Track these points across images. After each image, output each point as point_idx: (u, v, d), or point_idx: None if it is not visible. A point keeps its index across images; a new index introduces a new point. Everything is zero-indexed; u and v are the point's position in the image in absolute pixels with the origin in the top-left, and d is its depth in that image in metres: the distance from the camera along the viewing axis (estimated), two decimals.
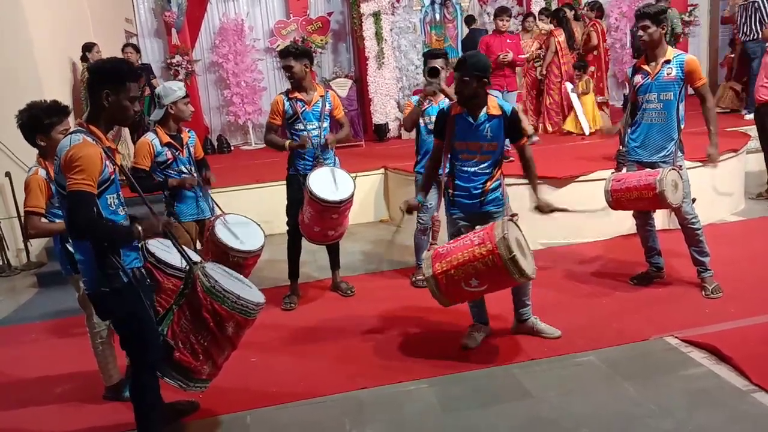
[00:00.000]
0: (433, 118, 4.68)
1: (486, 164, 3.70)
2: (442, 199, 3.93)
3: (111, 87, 2.68)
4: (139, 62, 8.38)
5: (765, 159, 6.78)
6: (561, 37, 8.70)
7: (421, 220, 4.92)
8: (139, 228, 2.73)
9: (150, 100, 8.11)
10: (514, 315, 4.02)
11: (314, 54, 7.93)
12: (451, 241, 3.59)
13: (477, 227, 3.56)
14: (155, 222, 2.80)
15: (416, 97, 4.90)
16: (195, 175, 4.31)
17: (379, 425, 3.21)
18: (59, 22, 7.30)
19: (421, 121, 4.78)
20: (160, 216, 2.92)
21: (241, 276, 3.31)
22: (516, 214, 3.65)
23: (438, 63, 4.63)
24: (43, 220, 3.46)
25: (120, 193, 2.82)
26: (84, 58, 7.43)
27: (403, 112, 4.91)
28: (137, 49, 8.42)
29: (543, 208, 3.87)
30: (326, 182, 4.42)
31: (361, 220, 7.18)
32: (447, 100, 4.73)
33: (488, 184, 3.73)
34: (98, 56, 8.04)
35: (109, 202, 2.72)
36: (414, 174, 4.99)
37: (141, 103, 8.06)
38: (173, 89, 4.18)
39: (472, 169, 3.71)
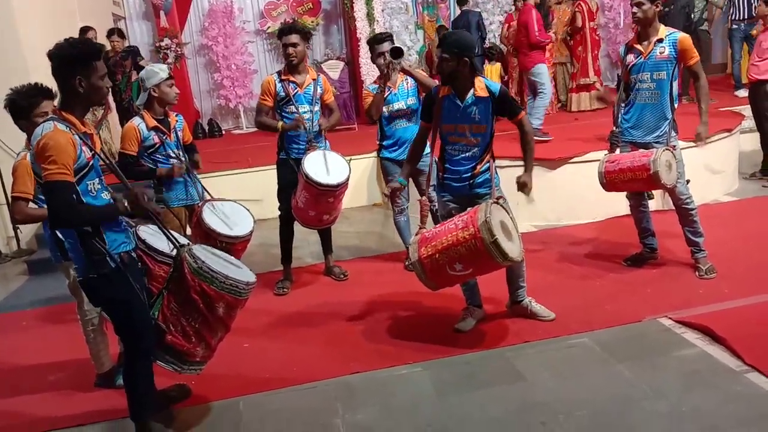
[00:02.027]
0: (395, 106, 4.65)
1: (475, 147, 3.66)
2: (431, 181, 3.91)
3: (82, 72, 2.63)
4: (124, 46, 8.26)
5: (761, 138, 6.76)
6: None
7: (396, 203, 4.89)
8: (125, 202, 2.69)
9: (138, 85, 7.98)
10: (509, 296, 4.00)
11: None
12: (438, 225, 3.56)
13: (462, 212, 3.53)
14: (138, 192, 2.73)
15: (373, 86, 4.74)
16: (183, 159, 4.24)
17: (372, 409, 3.20)
18: (44, 5, 7.17)
19: (384, 109, 4.66)
20: (139, 188, 2.83)
21: (231, 257, 3.28)
22: (502, 197, 3.62)
23: (385, 47, 4.56)
24: (32, 205, 3.41)
25: (102, 178, 2.79)
26: None
27: (363, 102, 4.75)
28: (123, 35, 8.30)
29: (523, 186, 3.76)
30: (321, 166, 4.37)
31: (354, 204, 7.14)
32: (406, 83, 4.66)
33: (478, 167, 3.69)
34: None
35: (89, 188, 2.69)
36: (379, 160, 4.91)
37: (129, 88, 7.91)
38: (155, 71, 4.10)
39: (462, 153, 3.67)
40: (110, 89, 8.24)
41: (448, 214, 3.73)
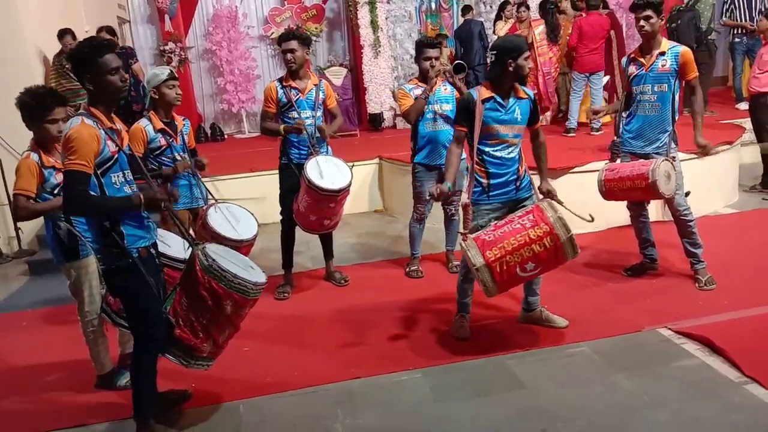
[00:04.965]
0: (443, 107, 4.69)
1: (515, 148, 3.70)
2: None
3: (88, 70, 2.74)
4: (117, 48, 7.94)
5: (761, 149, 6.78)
6: (538, 29, 8.68)
7: (418, 210, 4.92)
8: (141, 195, 2.80)
9: (129, 88, 7.79)
10: (523, 304, 4.01)
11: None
12: (492, 228, 3.47)
13: (518, 212, 3.51)
14: (158, 191, 2.88)
15: (409, 86, 4.83)
16: (189, 162, 4.26)
17: (372, 415, 3.21)
18: (50, 8, 7.21)
19: (428, 108, 4.69)
20: (159, 189, 2.97)
21: (245, 258, 3.33)
22: (554, 195, 3.66)
23: (434, 53, 4.60)
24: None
25: (127, 172, 2.89)
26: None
27: (397, 102, 4.80)
28: (113, 33, 7.83)
29: (545, 193, 3.78)
30: (323, 171, 4.38)
31: (356, 210, 7.15)
32: (444, 88, 4.70)
33: (521, 169, 3.73)
34: (71, 44, 7.72)
35: (113, 180, 2.80)
36: (412, 165, 4.93)
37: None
38: (156, 73, 4.14)
39: (504, 155, 3.67)
40: None
41: (486, 223, 3.62)
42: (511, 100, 3.66)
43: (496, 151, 3.68)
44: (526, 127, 3.77)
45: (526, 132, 3.80)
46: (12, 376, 3.94)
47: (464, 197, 3.81)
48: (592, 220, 3.66)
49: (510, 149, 3.68)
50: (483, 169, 3.69)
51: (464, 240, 3.49)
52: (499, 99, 3.63)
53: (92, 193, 2.72)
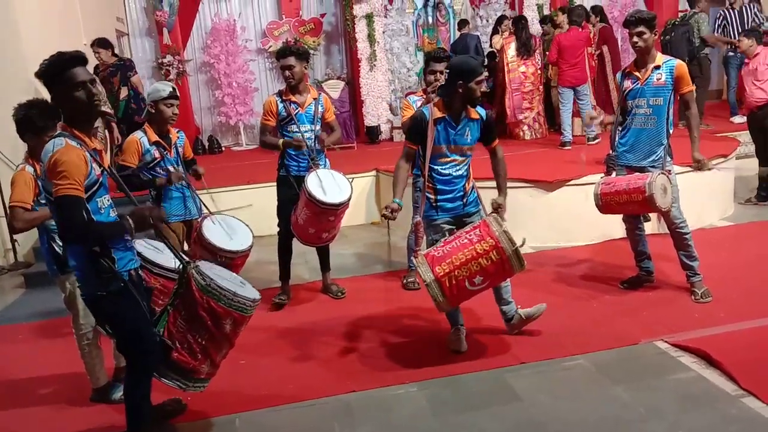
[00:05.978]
0: None
1: (463, 166, 3.77)
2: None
3: (57, 85, 2.59)
4: (110, 57, 7.69)
5: (759, 161, 6.78)
6: (510, 48, 8.76)
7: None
8: (130, 220, 2.69)
9: (126, 104, 7.70)
10: (503, 316, 4.00)
11: None
12: (442, 244, 3.56)
13: (466, 228, 3.57)
14: (146, 211, 2.75)
15: (413, 98, 4.88)
16: (182, 174, 4.27)
17: (369, 428, 3.19)
18: (49, 21, 7.23)
19: None
20: (146, 206, 2.88)
21: (234, 274, 3.31)
22: (502, 210, 3.69)
23: (438, 67, 4.61)
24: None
25: (109, 195, 2.79)
26: None
27: (400, 113, 4.84)
28: (105, 46, 7.62)
29: (498, 208, 3.77)
30: (324, 184, 4.40)
31: (353, 222, 7.14)
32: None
33: (467, 185, 3.79)
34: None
35: (99, 205, 2.69)
36: (412, 176, 4.94)
37: (116, 108, 7.53)
38: (157, 89, 4.16)
39: (452, 172, 3.74)
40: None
41: (441, 237, 3.72)
42: (463, 122, 3.70)
43: (445, 168, 3.74)
44: (484, 146, 3.85)
45: (482, 148, 3.87)
46: (7, 389, 3.92)
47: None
48: (523, 243, 3.59)
49: (458, 167, 3.76)
50: (431, 185, 3.77)
51: (415, 257, 3.57)
52: (450, 120, 3.68)
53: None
